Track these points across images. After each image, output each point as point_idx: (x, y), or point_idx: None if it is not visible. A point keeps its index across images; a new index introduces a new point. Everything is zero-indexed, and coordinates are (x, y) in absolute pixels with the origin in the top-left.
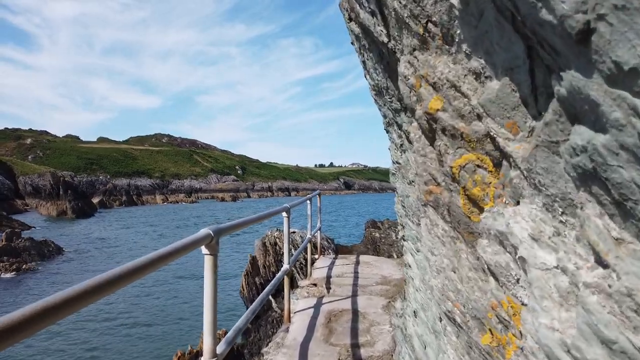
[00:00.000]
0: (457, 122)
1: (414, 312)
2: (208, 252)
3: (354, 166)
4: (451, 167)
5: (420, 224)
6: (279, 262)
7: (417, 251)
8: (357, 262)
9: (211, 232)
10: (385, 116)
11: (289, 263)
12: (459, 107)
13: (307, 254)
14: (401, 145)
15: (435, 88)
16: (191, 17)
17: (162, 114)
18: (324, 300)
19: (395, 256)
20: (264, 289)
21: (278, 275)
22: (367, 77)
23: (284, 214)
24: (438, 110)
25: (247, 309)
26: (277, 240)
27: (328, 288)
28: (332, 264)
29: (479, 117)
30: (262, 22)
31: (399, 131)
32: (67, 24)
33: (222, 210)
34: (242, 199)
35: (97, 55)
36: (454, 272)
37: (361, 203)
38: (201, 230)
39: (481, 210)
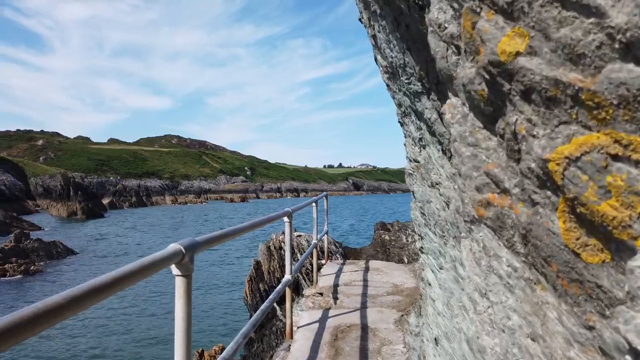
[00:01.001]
0: (566, 71)
1: (435, 339)
2: (179, 273)
3: (363, 167)
4: (545, 162)
5: (459, 246)
6: (283, 268)
7: (440, 268)
8: (367, 269)
9: (182, 248)
10: (400, 104)
11: (291, 273)
12: (573, 39)
13: (313, 259)
14: (420, 139)
15: (511, 14)
16: (200, 19)
17: (172, 115)
18: (331, 312)
19: (405, 260)
20: (268, 296)
21: (278, 287)
22: (378, 56)
23: (286, 218)
24: (519, 54)
25: (250, 317)
26: (282, 244)
27: (335, 298)
28: (340, 270)
29: (624, 54)
30: (270, 23)
31: (418, 122)
32: (78, 26)
33: (232, 211)
34: (251, 199)
35: (108, 56)
36: (535, 341)
37: (370, 204)
38: (170, 246)
39: (613, 244)
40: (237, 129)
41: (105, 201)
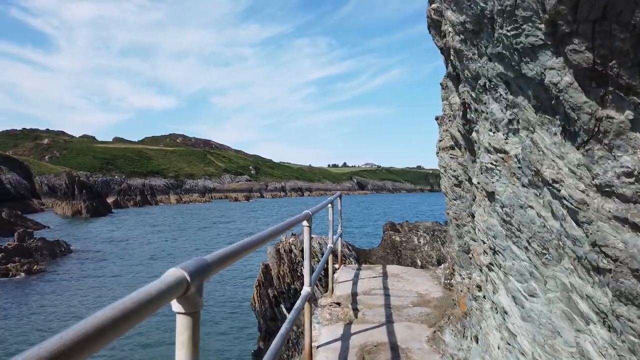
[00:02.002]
0: None
1: None
2: (182, 310)
3: (367, 166)
4: None
5: (589, 273)
6: (294, 272)
7: (531, 295)
8: (385, 275)
9: (186, 276)
10: (476, 76)
11: (310, 285)
12: None
13: (328, 264)
14: (511, 121)
15: None
16: (206, 18)
17: (177, 115)
18: (353, 328)
19: (419, 263)
20: (277, 302)
21: (298, 304)
22: (448, 12)
23: (305, 222)
24: None
25: (258, 323)
26: (293, 247)
27: (355, 310)
28: (356, 276)
29: None
30: (276, 23)
31: (511, 96)
32: (85, 25)
33: (236, 210)
34: (256, 198)
35: (114, 56)
36: None
37: (376, 203)
38: (169, 272)
39: None
40: (241, 128)
41: (110, 200)
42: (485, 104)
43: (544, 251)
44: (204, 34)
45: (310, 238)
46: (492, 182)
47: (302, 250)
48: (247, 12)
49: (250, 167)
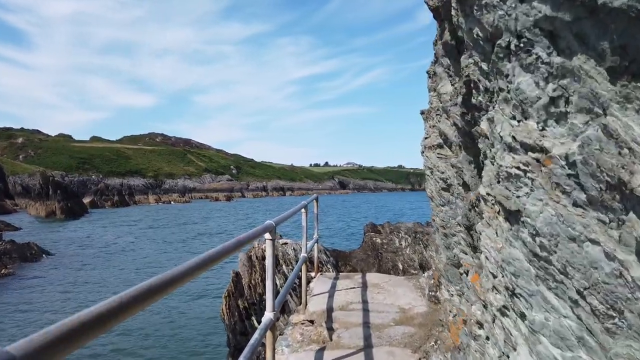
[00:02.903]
0: None
1: None
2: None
3: (349, 166)
4: None
5: None
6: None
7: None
8: (364, 285)
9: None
10: (495, 33)
11: (273, 310)
12: None
13: (302, 273)
14: (554, 100)
15: None
16: (188, 16)
17: (158, 113)
18: (326, 354)
19: (400, 266)
20: (248, 314)
21: (255, 337)
22: None
23: (267, 235)
24: None
25: (227, 338)
26: (266, 253)
27: (330, 329)
28: (333, 287)
29: None
30: (258, 21)
31: (557, 60)
32: (64, 22)
33: (217, 210)
34: (237, 198)
35: (94, 53)
36: None
37: (357, 202)
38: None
39: None
40: (224, 127)
41: (86, 200)
42: (506, 76)
43: (612, 313)
44: (185, 31)
45: (274, 254)
46: (518, 197)
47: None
48: (229, 10)
49: (232, 166)
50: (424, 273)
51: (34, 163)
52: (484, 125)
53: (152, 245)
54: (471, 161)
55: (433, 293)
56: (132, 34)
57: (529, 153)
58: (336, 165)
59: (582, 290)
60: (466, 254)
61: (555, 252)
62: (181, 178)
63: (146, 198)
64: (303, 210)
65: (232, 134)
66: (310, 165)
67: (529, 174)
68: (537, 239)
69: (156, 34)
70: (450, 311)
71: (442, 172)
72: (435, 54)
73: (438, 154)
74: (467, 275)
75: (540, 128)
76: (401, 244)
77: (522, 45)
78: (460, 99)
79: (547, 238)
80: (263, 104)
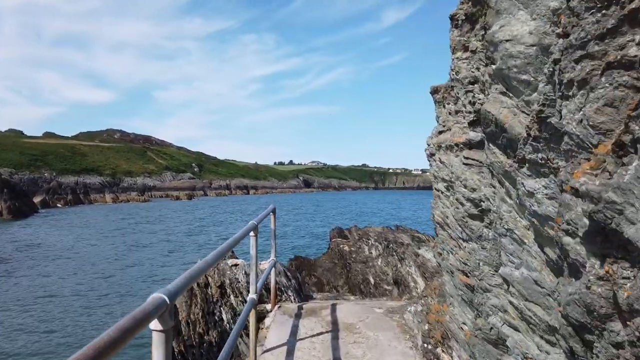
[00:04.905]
0: None
1: None
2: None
3: (314, 164)
4: None
5: None
6: (209, 316)
7: None
8: (335, 327)
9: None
10: None
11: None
12: None
13: (249, 322)
14: None
15: None
16: (146, 10)
17: (116, 109)
18: None
19: (372, 280)
20: None
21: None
22: None
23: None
24: None
25: None
26: (210, 279)
27: None
28: (294, 332)
29: None
30: (221, 17)
31: None
32: (12, 13)
33: (174, 210)
34: (199, 197)
35: (46, 46)
36: None
37: (322, 202)
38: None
39: None
40: (186, 124)
41: (37, 199)
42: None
43: None
44: (144, 25)
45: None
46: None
47: (220, 286)
48: (190, 4)
49: (194, 164)
50: (403, 297)
51: None
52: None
53: (99, 248)
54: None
55: (430, 346)
56: (86, 26)
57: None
58: (301, 164)
59: None
60: (518, 330)
61: None
62: (140, 176)
63: (102, 197)
64: (252, 234)
65: (195, 131)
66: (275, 163)
67: None
68: None
69: (112, 27)
70: None
71: (473, 190)
72: None
73: (466, 158)
74: None
75: None
76: (371, 253)
77: None
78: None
79: None
80: (226, 101)
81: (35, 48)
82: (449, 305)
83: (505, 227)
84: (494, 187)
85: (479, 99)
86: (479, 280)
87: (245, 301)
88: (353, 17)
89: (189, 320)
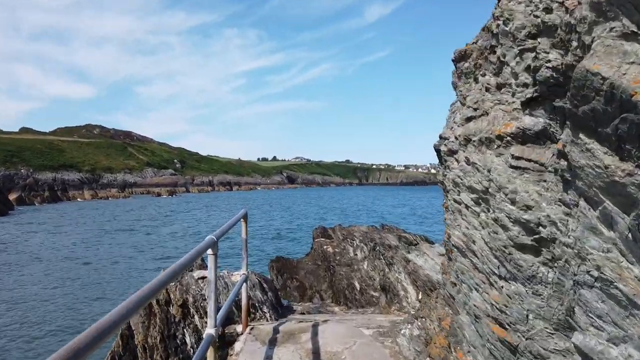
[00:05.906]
0: None
1: None
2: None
3: (297, 160)
4: None
5: None
6: (169, 340)
7: None
8: (317, 356)
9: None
10: None
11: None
12: None
13: (209, 353)
14: None
15: None
16: (128, 3)
17: (96, 105)
18: None
19: (357, 286)
20: None
21: None
22: None
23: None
24: None
25: None
26: (172, 295)
27: None
28: None
29: None
30: (204, 11)
31: None
32: None
33: (155, 206)
34: (181, 193)
35: (25, 40)
36: None
37: (306, 198)
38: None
39: None
40: (168, 120)
41: (13, 196)
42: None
43: None
44: (125, 20)
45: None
46: None
47: (182, 305)
48: None
49: (176, 160)
50: (392, 307)
51: None
52: None
53: (75, 247)
54: None
55: None
56: (66, 20)
57: None
58: (284, 160)
59: None
60: None
61: None
62: (121, 172)
63: (81, 193)
64: (210, 252)
65: (176, 126)
66: (258, 159)
67: None
68: None
69: (93, 21)
70: None
71: (528, 208)
72: None
73: (515, 157)
74: None
75: None
76: (356, 255)
77: None
78: None
79: None
80: (209, 96)
81: (13, 41)
82: (465, 354)
83: (594, 274)
84: (570, 206)
85: (549, 60)
86: (526, 339)
87: None
88: (337, 13)
89: (146, 345)
